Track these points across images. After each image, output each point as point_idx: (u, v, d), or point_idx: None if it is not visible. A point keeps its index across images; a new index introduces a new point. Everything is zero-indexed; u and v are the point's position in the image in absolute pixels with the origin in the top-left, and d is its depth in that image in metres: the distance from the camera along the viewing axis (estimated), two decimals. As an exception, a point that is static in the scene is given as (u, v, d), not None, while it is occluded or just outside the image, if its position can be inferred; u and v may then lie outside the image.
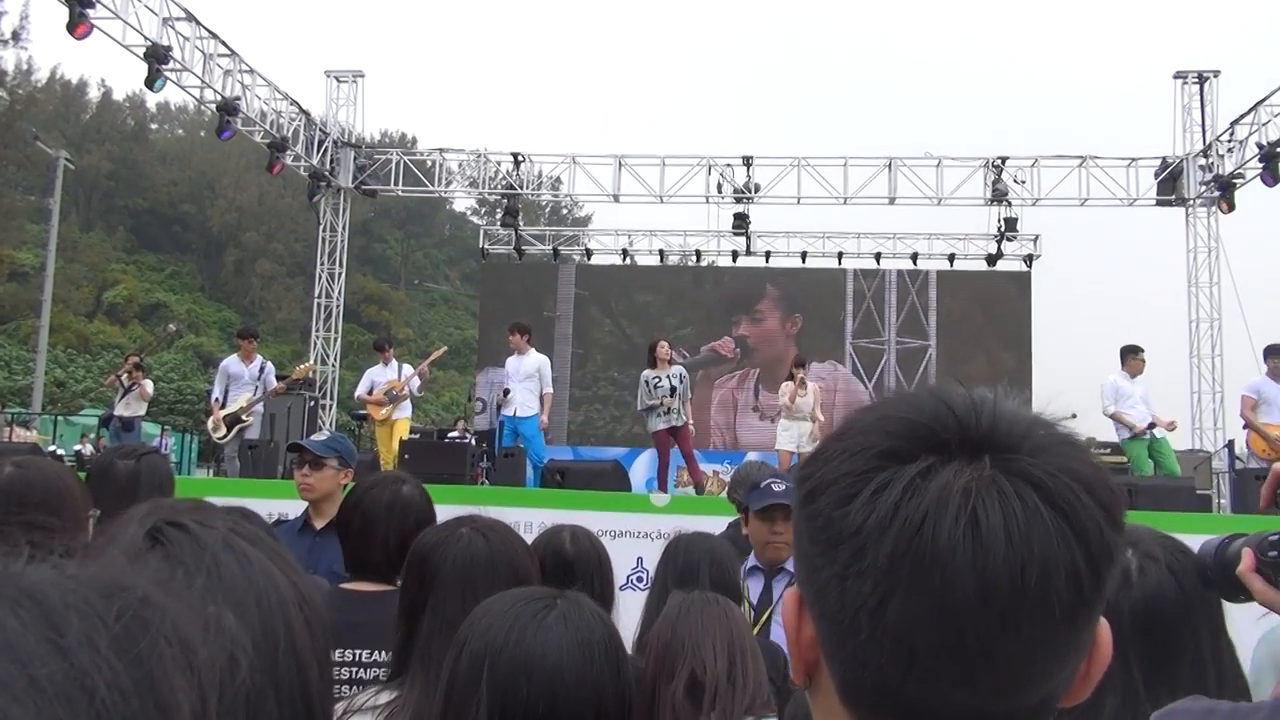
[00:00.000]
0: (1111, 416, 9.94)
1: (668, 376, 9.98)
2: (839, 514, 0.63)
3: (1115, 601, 1.37)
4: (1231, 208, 16.17)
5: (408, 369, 11.46)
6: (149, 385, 12.86)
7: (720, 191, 17.92)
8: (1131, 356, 10.26)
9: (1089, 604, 0.62)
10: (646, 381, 10.02)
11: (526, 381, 10.43)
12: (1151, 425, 9.85)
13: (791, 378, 10.80)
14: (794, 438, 10.64)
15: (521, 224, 20.42)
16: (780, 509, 3.24)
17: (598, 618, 1.50)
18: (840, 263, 20.36)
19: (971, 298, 19.76)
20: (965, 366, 18.62)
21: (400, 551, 2.19)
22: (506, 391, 10.56)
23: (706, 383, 19.35)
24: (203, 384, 39.89)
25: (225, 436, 10.91)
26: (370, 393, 11.32)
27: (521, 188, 18.75)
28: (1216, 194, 16.30)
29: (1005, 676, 0.61)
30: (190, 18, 14.16)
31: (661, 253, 21.50)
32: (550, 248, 21.59)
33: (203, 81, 14.71)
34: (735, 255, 20.69)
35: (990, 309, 19.60)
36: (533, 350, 10.70)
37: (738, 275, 20.83)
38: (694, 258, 21.40)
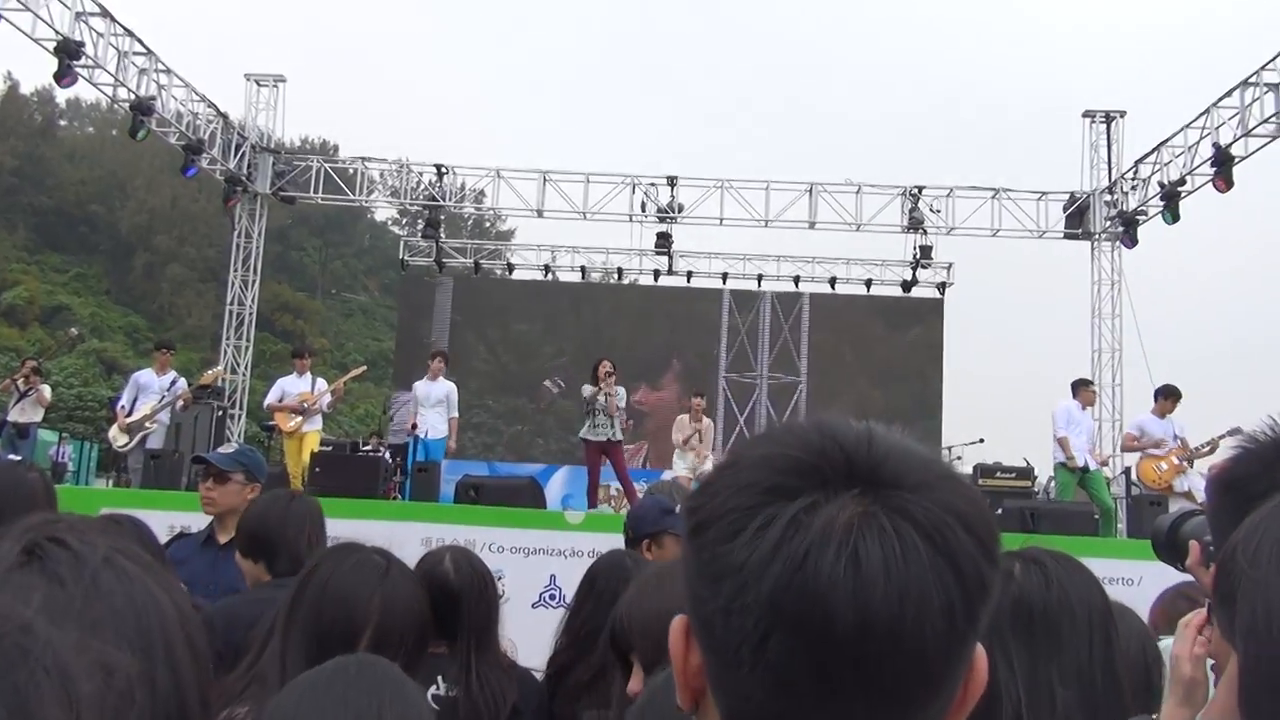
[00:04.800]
0: (1059, 441, 10.23)
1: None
2: (724, 549, 0.64)
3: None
4: (1134, 243, 16.81)
5: (321, 383, 11.30)
6: (46, 391, 12.39)
7: (644, 210, 18.00)
8: (1084, 388, 10.85)
9: (963, 636, 0.63)
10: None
11: (436, 406, 10.93)
12: (1085, 468, 10.14)
13: (689, 411, 11.00)
14: (690, 464, 10.76)
15: (443, 236, 20.22)
16: None
17: (373, 687, 1.40)
18: (760, 285, 20.52)
19: (859, 326, 19.67)
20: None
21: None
22: (415, 425, 10.97)
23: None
24: (105, 390, 38.57)
25: (127, 445, 10.58)
26: (280, 401, 11.13)
27: (444, 199, 18.58)
28: (1120, 230, 16.91)
29: (881, 707, 0.62)
30: (105, 13, 13.69)
31: (584, 269, 21.49)
32: (472, 261, 21.42)
33: (116, 79, 14.25)
34: (657, 274, 20.77)
35: (894, 335, 19.66)
36: (442, 378, 11.18)
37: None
38: (616, 275, 21.44)
